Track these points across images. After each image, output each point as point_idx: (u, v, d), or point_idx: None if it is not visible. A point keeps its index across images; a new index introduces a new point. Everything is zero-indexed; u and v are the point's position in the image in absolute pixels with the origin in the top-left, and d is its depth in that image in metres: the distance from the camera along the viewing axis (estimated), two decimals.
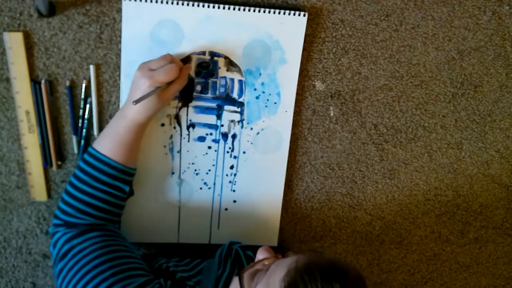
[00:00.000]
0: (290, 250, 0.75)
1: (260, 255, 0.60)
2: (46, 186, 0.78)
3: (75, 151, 0.77)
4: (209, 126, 0.78)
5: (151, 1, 0.70)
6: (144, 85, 0.64)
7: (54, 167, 0.77)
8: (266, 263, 0.58)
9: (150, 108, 0.66)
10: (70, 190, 0.68)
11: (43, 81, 0.72)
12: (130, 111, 0.66)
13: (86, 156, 0.69)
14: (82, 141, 0.76)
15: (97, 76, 0.74)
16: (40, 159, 0.76)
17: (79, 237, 0.65)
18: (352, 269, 0.55)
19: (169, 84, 0.67)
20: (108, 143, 0.68)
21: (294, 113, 0.80)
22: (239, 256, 0.74)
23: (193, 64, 0.74)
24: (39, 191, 0.78)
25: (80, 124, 0.76)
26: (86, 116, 0.75)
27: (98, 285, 0.60)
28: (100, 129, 0.76)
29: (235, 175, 0.81)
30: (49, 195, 0.79)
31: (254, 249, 0.79)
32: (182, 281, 0.68)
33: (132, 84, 0.67)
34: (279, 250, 0.81)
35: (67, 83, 0.73)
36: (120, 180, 0.69)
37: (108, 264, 0.62)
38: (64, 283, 0.62)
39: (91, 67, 0.73)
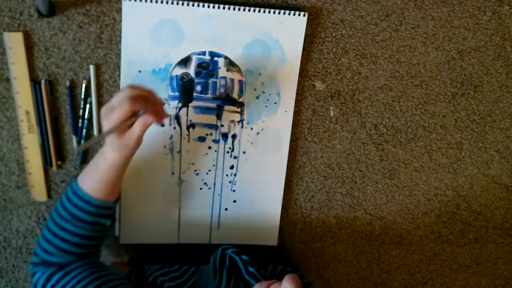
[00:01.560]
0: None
1: (287, 284, 0.54)
2: (46, 186, 0.78)
3: (75, 151, 0.77)
4: (209, 126, 0.78)
5: (151, 1, 0.70)
6: (105, 127, 0.58)
7: (54, 167, 0.77)
8: None
9: (122, 149, 0.61)
10: (50, 227, 0.66)
11: (43, 81, 0.72)
12: (109, 154, 0.62)
13: (68, 191, 0.67)
14: (82, 141, 0.76)
15: (97, 76, 0.74)
16: (40, 159, 0.76)
17: (60, 271, 0.63)
18: None
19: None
20: (90, 180, 0.65)
21: (294, 113, 0.80)
22: (234, 262, 0.73)
23: (193, 64, 0.75)
24: (39, 191, 0.78)
25: (80, 124, 0.76)
26: (86, 116, 0.75)
27: None
28: (100, 129, 0.77)
29: (235, 175, 0.81)
30: (49, 195, 0.79)
31: (253, 250, 0.79)
32: None
33: None
34: (287, 271, 0.81)
35: (67, 83, 0.73)
36: (102, 216, 0.67)
37: None
38: None
39: (91, 67, 0.73)
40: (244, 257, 0.71)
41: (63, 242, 0.65)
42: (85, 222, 0.65)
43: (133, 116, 0.58)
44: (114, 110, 0.56)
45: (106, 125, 0.58)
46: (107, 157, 0.63)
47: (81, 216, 0.65)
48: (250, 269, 0.69)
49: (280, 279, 0.83)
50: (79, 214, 0.65)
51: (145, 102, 0.58)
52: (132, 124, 0.59)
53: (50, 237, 0.66)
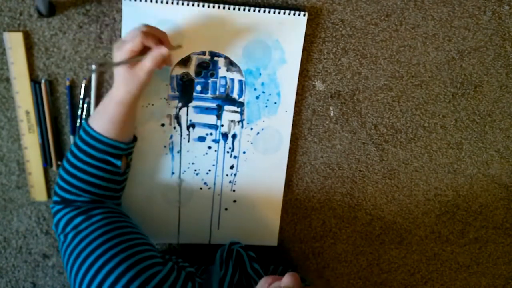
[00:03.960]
0: (311, 285, 0.75)
1: (286, 281, 0.55)
2: (46, 186, 0.78)
3: None
4: (209, 126, 0.78)
5: (151, 1, 0.70)
6: (117, 58, 0.61)
7: (54, 167, 0.77)
8: None
9: (129, 84, 0.63)
10: (65, 166, 0.67)
11: (43, 81, 0.72)
12: (115, 90, 0.64)
13: (80, 131, 0.67)
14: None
15: (97, 76, 0.74)
16: (40, 159, 0.76)
17: (81, 215, 0.64)
18: None
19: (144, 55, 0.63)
20: (99, 119, 0.66)
21: (294, 113, 0.80)
22: (240, 257, 0.74)
23: (193, 64, 0.74)
24: (39, 191, 0.78)
25: (78, 124, 0.76)
26: (84, 116, 0.75)
27: (108, 261, 0.58)
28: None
29: (235, 175, 0.81)
30: (49, 195, 0.79)
31: (256, 250, 0.79)
32: (191, 275, 0.66)
33: None
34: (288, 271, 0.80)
35: (67, 83, 0.73)
36: (110, 155, 0.67)
37: (116, 240, 0.61)
38: (70, 261, 0.61)
39: (94, 67, 0.73)
40: (250, 253, 0.73)
41: (78, 181, 0.66)
42: (94, 159, 0.66)
43: (145, 52, 0.61)
44: (127, 42, 0.60)
45: (118, 56, 0.61)
46: (114, 94, 0.64)
47: (90, 152, 0.65)
48: (255, 265, 0.69)
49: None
50: (88, 150, 0.66)
51: (157, 41, 0.62)
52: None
53: (65, 175, 0.67)
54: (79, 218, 0.64)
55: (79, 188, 0.66)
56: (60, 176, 0.68)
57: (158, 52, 0.62)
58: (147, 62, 0.62)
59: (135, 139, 0.73)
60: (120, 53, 0.61)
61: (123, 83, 0.63)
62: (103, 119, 0.66)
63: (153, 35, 0.62)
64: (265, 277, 0.55)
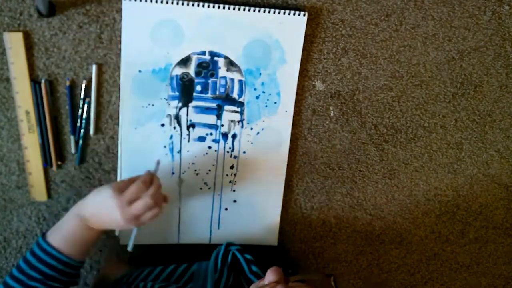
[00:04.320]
0: (299, 273, 0.75)
1: (269, 275, 0.57)
2: (46, 186, 0.78)
3: (73, 151, 0.77)
4: (209, 126, 0.78)
5: (151, 1, 0.70)
6: (116, 219, 0.63)
7: (54, 167, 0.77)
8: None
9: (109, 225, 0.66)
10: (14, 273, 0.63)
11: (43, 81, 0.72)
12: (95, 220, 0.64)
13: (35, 248, 0.64)
14: (80, 141, 0.76)
15: (97, 76, 0.74)
16: (40, 159, 0.76)
17: None
18: None
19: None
20: (61, 238, 0.64)
21: (294, 113, 0.80)
22: (236, 260, 0.73)
23: (193, 64, 0.74)
24: (39, 191, 0.78)
25: (78, 124, 0.76)
26: (84, 116, 0.75)
27: None
28: (98, 129, 0.77)
29: (235, 175, 0.81)
30: (49, 195, 0.79)
31: (252, 250, 0.79)
32: None
33: (98, 199, 0.64)
34: (289, 273, 0.80)
35: (67, 83, 0.73)
36: (67, 275, 0.64)
37: None
38: None
39: (94, 67, 0.73)
40: (247, 256, 0.71)
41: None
42: (53, 280, 0.63)
43: None
44: (147, 216, 0.65)
45: (122, 220, 0.63)
46: (84, 221, 0.64)
47: (51, 273, 0.63)
48: (254, 268, 0.69)
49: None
50: (48, 272, 0.63)
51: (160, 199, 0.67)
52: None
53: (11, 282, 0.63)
54: None
55: None
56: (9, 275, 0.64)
57: (156, 212, 0.66)
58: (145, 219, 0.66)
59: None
60: (135, 223, 0.64)
61: (107, 224, 0.65)
62: (69, 242, 0.64)
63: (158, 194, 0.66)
64: (254, 284, 0.57)
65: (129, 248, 0.66)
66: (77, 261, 0.65)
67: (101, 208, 0.64)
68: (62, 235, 0.64)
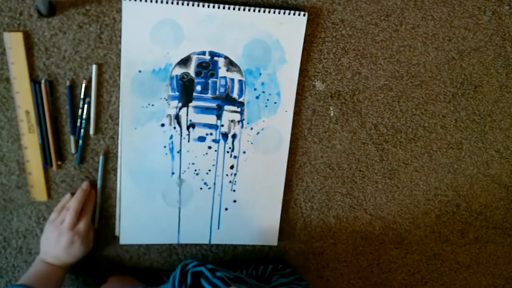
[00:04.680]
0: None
1: None
2: (46, 186, 0.78)
3: (73, 151, 0.77)
4: (209, 126, 0.78)
5: (151, 1, 0.70)
6: (63, 240, 0.72)
7: (54, 167, 0.77)
8: None
9: (73, 256, 0.74)
10: None
11: (43, 81, 0.72)
12: (41, 254, 0.74)
13: None
14: (80, 141, 0.76)
15: (97, 76, 0.74)
16: (40, 159, 0.76)
17: None
18: None
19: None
20: (27, 278, 0.70)
21: (294, 113, 0.80)
22: (196, 278, 0.68)
23: (193, 64, 0.74)
24: (39, 191, 0.78)
25: (78, 124, 0.76)
26: (84, 116, 0.75)
27: None
28: (97, 129, 0.77)
29: (235, 175, 0.81)
30: (49, 195, 0.79)
31: (256, 250, 0.79)
32: None
33: (46, 239, 0.74)
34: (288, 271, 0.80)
35: (67, 83, 0.73)
36: None
37: None
38: None
39: (94, 67, 0.73)
40: (209, 265, 0.68)
41: None
42: None
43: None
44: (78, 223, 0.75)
45: (67, 238, 0.73)
46: (51, 264, 0.73)
47: None
48: (218, 273, 0.66)
49: (269, 278, 0.82)
50: None
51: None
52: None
53: None
54: None
55: None
56: None
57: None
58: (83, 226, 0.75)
59: None
60: (74, 234, 0.74)
61: (58, 253, 0.73)
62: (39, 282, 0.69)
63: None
64: None
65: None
66: None
67: (46, 239, 0.74)
68: (28, 276, 0.71)
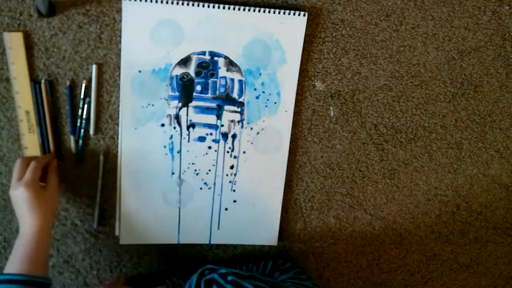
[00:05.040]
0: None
1: None
2: None
3: (73, 151, 0.77)
4: (209, 126, 0.78)
5: (151, 1, 0.70)
6: (22, 195, 0.66)
7: None
8: None
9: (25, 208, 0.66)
10: None
11: (43, 81, 0.72)
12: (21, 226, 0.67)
13: None
14: (80, 141, 0.76)
15: (97, 76, 0.74)
16: None
17: None
18: None
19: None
20: (12, 263, 0.64)
21: (294, 113, 0.80)
22: (210, 286, 0.67)
23: (193, 64, 0.74)
24: None
25: (78, 124, 0.76)
26: (84, 116, 0.75)
27: None
28: (97, 129, 0.77)
29: (235, 175, 0.81)
30: None
31: (256, 250, 0.79)
32: None
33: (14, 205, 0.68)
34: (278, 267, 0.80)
35: (67, 83, 0.73)
36: None
37: None
38: None
39: (94, 67, 0.73)
40: (222, 271, 0.67)
41: None
42: None
43: None
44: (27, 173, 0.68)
45: (22, 191, 0.67)
46: (21, 231, 0.67)
47: None
48: (229, 278, 0.66)
49: (270, 274, 0.82)
50: None
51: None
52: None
53: None
54: None
55: None
56: None
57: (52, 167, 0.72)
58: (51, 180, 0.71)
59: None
60: (23, 187, 0.66)
61: (25, 208, 0.66)
62: (15, 260, 0.64)
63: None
64: None
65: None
66: (35, 277, 0.63)
67: (14, 203, 0.68)
68: (11, 260, 0.65)
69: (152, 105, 0.75)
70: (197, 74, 0.75)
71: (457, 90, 0.85)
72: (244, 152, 0.80)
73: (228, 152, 0.80)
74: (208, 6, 0.72)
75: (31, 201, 0.66)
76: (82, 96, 0.74)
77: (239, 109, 0.78)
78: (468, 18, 0.81)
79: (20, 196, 0.66)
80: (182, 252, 0.86)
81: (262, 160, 0.81)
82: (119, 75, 0.74)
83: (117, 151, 0.77)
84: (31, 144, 0.75)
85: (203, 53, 0.74)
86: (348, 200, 0.89)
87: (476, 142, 0.90)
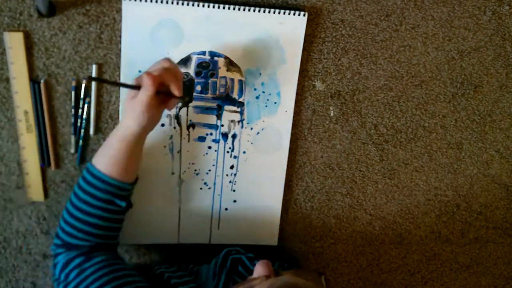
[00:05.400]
0: (292, 270, 0.74)
1: (258, 269, 0.58)
2: (43, 186, 0.78)
3: (73, 151, 0.77)
4: (209, 126, 0.78)
5: (151, 1, 0.70)
6: (143, 97, 0.61)
7: (53, 167, 0.77)
8: (254, 283, 0.58)
9: (131, 118, 0.62)
10: (70, 209, 0.67)
11: (42, 81, 0.72)
12: (119, 126, 0.65)
13: (84, 172, 0.67)
14: (80, 141, 0.76)
15: (97, 76, 0.74)
16: (38, 159, 0.76)
17: (80, 257, 0.64)
18: None
19: (168, 95, 0.64)
20: (103, 158, 0.66)
21: (294, 113, 0.80)
22: (235, 265, 0.73)
23: (193, 64, 0.74)
24: (36, 191, 0.78)
25: (78, 124, 0.75)
26: (84, 116, 0.75)
27: None
28: (97, 129, 0.77)
29: (235, 175, 0.81)
30: (46, 195, 0.79)
31: (256, 250, 0.79)
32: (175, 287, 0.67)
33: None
34: (277, 268, 0.80)
35: (73, 84, 0.73)
36: (116, 196, 0.66)
37: (118, 282, 0.61)
38: None
39: (94, 67, 0.73)
40: (249, 255, 0.72)
41: (81, 224, 0.66)
42: (100, 201, 0.65)
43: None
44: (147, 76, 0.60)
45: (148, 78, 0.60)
46: (117, 130, 0.65)
47: (96, 194, 0.65)
48: (256, 261, 0.69)
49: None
50: (94, 192, 0.65)
51: (174, 81, 0.63)
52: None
53: (69, 219, 0.67)
54: (80, 259, 0.64)
55: (83, 231, 0.66)
56: (63, 218, 0.68)
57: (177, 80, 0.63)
58: (143, 92, 0.61)
59: (137, 180, 0.72)
60: (138, 80, 0.61)
61: (126, 117, 0.63)
62: (106, 157, 0.65)
63: (173, 74, 0.63)
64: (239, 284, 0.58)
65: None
66: (120, 182, 0.66)
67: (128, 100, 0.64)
68: (101, 153, 0.66)
69: None
70: (197, 74, 0.75)
71: (457, 90, 0.85)
72: (244, 152, 0.80)
73: (228, 152, 0.80)
74: (208, 6, 0.72)
75: (146, 106, 0.61)
76: (82, 96, 0.74)
77: (239, 109, 0.78)
78: (468, 18, 0.81)
79: (140, 98, 0.61)
80: (182, 252, 0.86)
81: (262, 160, 0.81)
82: (119, 75, 0.74)
83: None
84: (29, 144, 0.75)
85: (203, 53, 0.74)
86: (348, 200, 0.89)
87: (476, 142, 0.90)
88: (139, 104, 0.61)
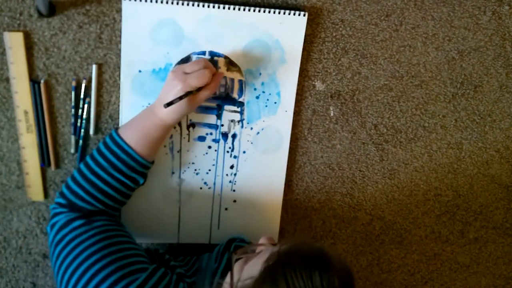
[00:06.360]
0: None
1: (263, 239, 0.62)
2: (43, 186, 0.78)
3: (73, 151, 0.77)
4: (209, 125, 0.78)
5: (151, 1, 0.70)
6: (175, 88, 0.64)
7: (53, 167, 0.77)
8: (259, 248, 0.59)
9: (179, 111, 0.66)
10: (84, 171, 0.67)
11: (42, 81, 0.72)
12: (160, 110, 0.67)
13: (108, 141, 0.68)
14: (80, 141, 0.76)
15: (97, 76, 0.74)
16: (38, 159, 0.76)
17: (82, 218, 0.64)
18: (338, 260, 0.54)
19: (200, 89, 0.67)
20: (135, 135, 0.68)
21: (294, 113, 0.80)
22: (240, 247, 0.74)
23: None
24: (35, 191, 0.78)
25: (78, 124, 0.75)
26: (84, 116, 0.75)
27: (98, 272, 0.58)
28: (98, 129, 0.77)
29: (235, 175, 0.81)
30: (45, 195, 0.79)
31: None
32: (180, 277, 0.67)
33: (164, 84, 0.68)
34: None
35: (73, 84, 0.73)
36: (137, 172, 0.69)
37: (109, 250, 0.61)
38: (62, 267, 0.60)
39: (94, 67, 0.73)
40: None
41: (94, 189, 0.66)
42: (122, 174, 0.67)
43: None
44: (193, 77, 0.64)
45: (183, 89, 0.64)
46: (158, 116, 0.67)
47: (117, 164, 0.67)
48: None
49: None
50: (115, 162, 0.66)
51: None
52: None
53: (81, 180, 0.67)
54: (79, 222, 0.64)
55: (94, 197, 0.66)
56: (73, 178, 0.68)
57: (218, 78, 0.69)
58: (208, 91, 0.67)
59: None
60: (184, 85, 0.64)
61: (175, 111, 0.66)
62: (139, 135, 0.67)
63: (213, 70, 0.68)
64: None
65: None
66: (144, 160, 0.68)
67: (164, 87, 0.68)
68: (132, 128, 0.69)
69: None
70: None
71: (457, 90, 0.85)
72: (244, 152, 0.80)
73: (228, 152, 0.80)
74: (208, 6, 0.72)
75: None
76: (82, 96, 0.74)
77: (239, 109, 0.78)
78: (468, 18, 0.81)
79: (173, 87, 0.65)
80: (182, 252, 0.86)
81: (262, 160, 0.81)
82: (119, 75, 0.74)
83: None
84: (28, 144, 0.75)
85: (203, 53, 0.74)
86: (348, 200, 0.89)
87: (476, 142, 0.90)
88: (199, 101, 0.67)
